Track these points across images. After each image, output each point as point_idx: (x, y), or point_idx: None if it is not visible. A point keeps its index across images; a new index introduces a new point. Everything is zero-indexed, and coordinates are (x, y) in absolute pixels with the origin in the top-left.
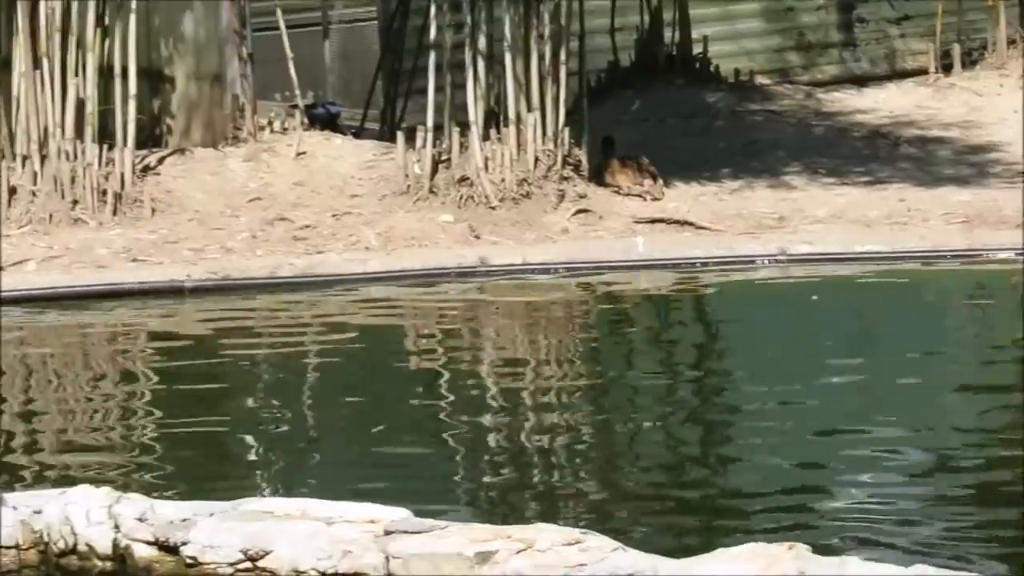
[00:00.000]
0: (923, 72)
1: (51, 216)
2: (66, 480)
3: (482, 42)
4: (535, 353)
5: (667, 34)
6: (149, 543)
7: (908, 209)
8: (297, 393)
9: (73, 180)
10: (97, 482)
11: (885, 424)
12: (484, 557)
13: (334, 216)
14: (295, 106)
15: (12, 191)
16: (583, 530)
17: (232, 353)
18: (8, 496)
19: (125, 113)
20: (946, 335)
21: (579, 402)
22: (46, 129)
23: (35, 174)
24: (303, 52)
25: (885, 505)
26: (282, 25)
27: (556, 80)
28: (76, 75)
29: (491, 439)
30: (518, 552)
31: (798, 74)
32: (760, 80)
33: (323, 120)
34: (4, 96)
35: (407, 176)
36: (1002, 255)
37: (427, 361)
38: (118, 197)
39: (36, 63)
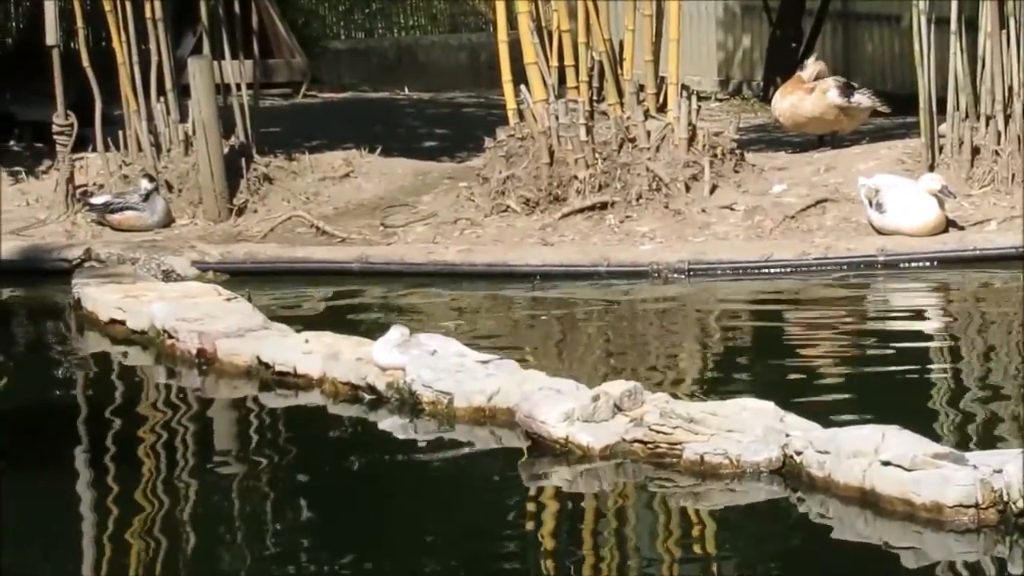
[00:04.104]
0: None
1: (1013, 176)
2: None
3: None
4: None
5: None
6: None
7: None
8: None
9: None
10: None
11: None
12: None
13: None
14: None
15: (975, 151)
16: None
17: None
18: (968, 455)
19: None
20: None
21: None
22: (1010, 88)
23: (999, 134)
24: None
25: None
26: None
27: None
28: None
29: None
30: None
31: None
32: None
33: None
34: (969, 56)
35: None
36: None
37: None
38: None
39: (1002, 23)
